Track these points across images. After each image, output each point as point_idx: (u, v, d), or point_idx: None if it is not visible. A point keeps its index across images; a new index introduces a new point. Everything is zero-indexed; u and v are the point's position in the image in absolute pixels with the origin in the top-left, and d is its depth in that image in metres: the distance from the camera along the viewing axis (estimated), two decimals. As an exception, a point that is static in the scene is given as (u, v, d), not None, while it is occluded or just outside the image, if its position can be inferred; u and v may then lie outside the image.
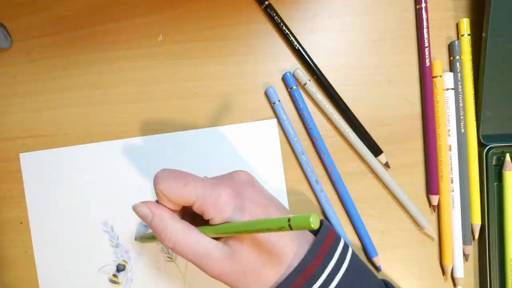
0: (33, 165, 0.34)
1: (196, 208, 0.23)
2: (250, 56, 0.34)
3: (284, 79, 0.34)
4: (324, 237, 0.24)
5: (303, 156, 0.33)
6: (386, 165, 0.34)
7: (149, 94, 0.35)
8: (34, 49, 0.35)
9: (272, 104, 0.34)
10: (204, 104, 0.35)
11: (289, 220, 0.17)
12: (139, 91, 0.35)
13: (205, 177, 0.27)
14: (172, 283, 0.34)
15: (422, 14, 0.33)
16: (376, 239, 0.35)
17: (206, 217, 0.23)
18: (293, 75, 0.34)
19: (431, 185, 0.34)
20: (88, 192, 0.34)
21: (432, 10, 0.34)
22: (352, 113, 0.34)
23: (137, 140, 0.34)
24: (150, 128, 0.34)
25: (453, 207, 0.34)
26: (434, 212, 0.35)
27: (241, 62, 0.35)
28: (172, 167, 0.31)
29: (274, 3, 0.34)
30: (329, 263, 0.23)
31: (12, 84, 0.35)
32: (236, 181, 0.24)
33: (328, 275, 0.23)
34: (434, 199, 0.34)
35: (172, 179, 0.23)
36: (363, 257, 0.34)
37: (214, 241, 0.23)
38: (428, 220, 0.34)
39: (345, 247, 0.25)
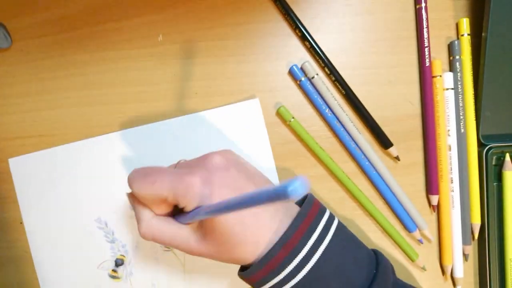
0: (23, 169, 0.35)
1: (170, 201, 0.24)
2: (250, 56, 0.34)
3: (291, 72, 0.34)
4: (307, 210, 0.25)
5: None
6: (397, 158, 0.34)
7: (149, 94, 0.35)
8: (34, 49, 0.35)
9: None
10: (204, 104, 0.35)
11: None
12: (139, 91, 0.35)
13: (183, 160, 0.27)
14: (172, 272, 0.34)
15: (422, 14, 0.33)
16: (376, 239, 0.35)
17: (180, 206, 0.24)
18: (301, 69, 0.34)
19: (431, 185, 0.34)
20: (78, 191, 0.34)
21: (432, 10, 0.34)
22: (363, 105, 0.34)
23: (118, 135, 0.34)
24: (150, 128, 0.34)
25: (453, 207, 0.34)
26: (434, 212, 0.35)
27: (241, 62, 0.34)
28: (159, 158, 0.32)
29: (274, 4, 0.34)
30: (311, 236, 0.23)
31: (12, 84, 0.35)
32: (209, 167, 0.24)
33: (311, 247, 0.23)
34: (434, 199, 0.34)
35: (141, 180, 0.24)
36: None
37: (188, 228, 0.24)
38: (426, 222, 0.34)
39: (330, 219, 0.25)
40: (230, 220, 0.23)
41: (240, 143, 0.34)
